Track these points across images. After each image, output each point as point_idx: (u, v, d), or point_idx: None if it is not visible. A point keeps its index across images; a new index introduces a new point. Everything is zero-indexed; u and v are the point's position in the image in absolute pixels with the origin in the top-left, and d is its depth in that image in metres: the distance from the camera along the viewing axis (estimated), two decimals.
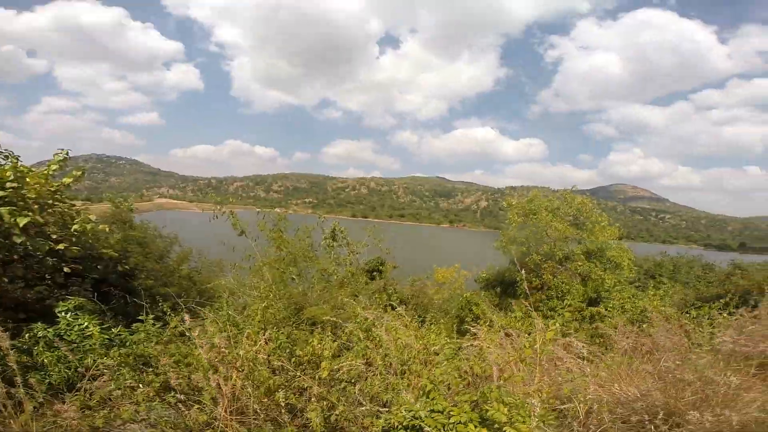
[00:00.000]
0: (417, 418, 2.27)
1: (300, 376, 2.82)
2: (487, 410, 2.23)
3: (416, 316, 7.21)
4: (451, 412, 2.27)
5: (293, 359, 3.09)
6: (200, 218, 6.28)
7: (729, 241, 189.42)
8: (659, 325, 5.36)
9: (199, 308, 4.37)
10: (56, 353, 3.22)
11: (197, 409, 2.59)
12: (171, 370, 2.91)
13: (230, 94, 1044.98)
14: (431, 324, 5.68)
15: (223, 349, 2.76)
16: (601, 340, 5.56)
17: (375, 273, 14.01)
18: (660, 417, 2.41)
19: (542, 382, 3.03)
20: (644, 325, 5.37)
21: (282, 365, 2.92)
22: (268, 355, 2.95)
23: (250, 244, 5.80)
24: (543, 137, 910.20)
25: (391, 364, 2.96)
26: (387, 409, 2.51)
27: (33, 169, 4.31)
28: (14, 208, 3.80)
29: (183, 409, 2.61)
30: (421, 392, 2.55)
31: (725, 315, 4.76)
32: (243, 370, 2.72)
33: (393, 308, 4.26)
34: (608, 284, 10.78)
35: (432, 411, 2.31)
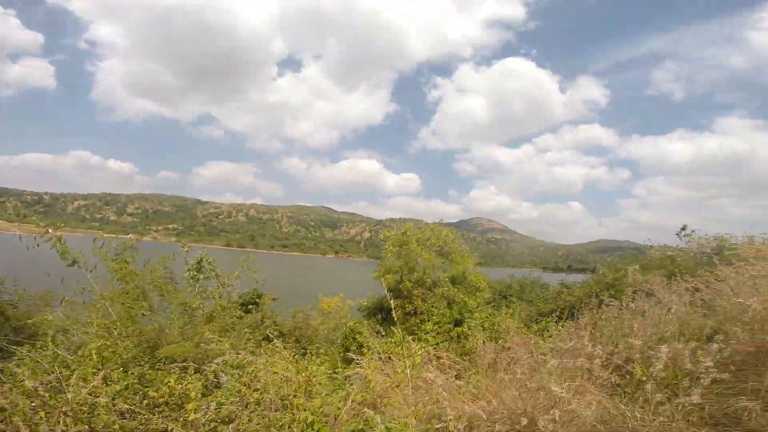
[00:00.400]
0: None
1: (157, 419, 2.50)
2: None
3: (299, 348, 6.81)
4: None
5: (146, 401, 2.71)
6: (21, 243, 4.90)
7: (560, 264, 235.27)
8: (511, 339, 6.21)
9: (15, 347, 3.73)
10: None
11: None
12: None
13: (89, 98, 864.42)
14: (313, 355, 5.47)
15: (41, 393, 2.35)
16: (468, 357, 6.12)
17: (251, 306, 12.98)
18: (522, 424, 2.69)
19: (417, 404, 3.15)
20: (500, 341, 6.13)
21: (131, 408, 2.57)
22: (113, 398, 2.57)
23: (86, 275, 4.76)
24: (419, 172, 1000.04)
25: (271, 399, 2.75)
26: None
27: None
28: None
29: None
30: (304, 425, 2.43)
31: (559, 327, 5.80)
32: (73, 415, 2.33)
33: (269, 341, 3.98)
34: (471, 306, 12.10)
35: None
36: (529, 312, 10.01)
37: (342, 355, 8.22)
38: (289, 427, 2.55)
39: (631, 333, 4.07)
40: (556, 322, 6.26)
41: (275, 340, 4.00)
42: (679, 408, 2.59)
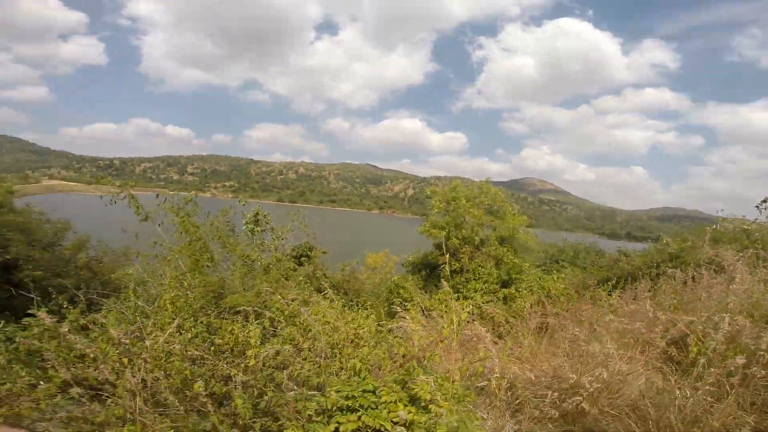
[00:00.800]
0: (350, 398, 2.27)
1: (222, 365, 2.73)
2: (413, 389, 2.30)
3: (348, 300, 7.15)
4: (382, 392, 2.30)
5: (213, 348, 2.96)
6: (101, 202, 5.44)
7: (618, 230, 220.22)
8: (561, 305, 6.04)
9: (103, 300, 4.12)
10: None
11: (111, 403, 2.44)
12: (72, 365, 2.69)
13: (137, 70, 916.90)
14: (360, 307, 5.72)
15: (125, 341, 2.62)
16: (515, 320, 6.09)
17: (303, 258, 13.70)
18: (569, 383, 2.69)
19: (462, 361, 3.23)
20: (549, 306, 5.99)
21: (201, 355, 2.82)
22: (185, 346, 2.82)
23: (157, 230, 5.21)
24: (464, 131, 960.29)
25: (321, 348, 2.95)
26: (319, 392, 2.48)
27: None
28: None
29: (87, 403, 2.48)
30: (352, 373, 2.59)
31: (614, 295, 5.52)
32: (151, 362, 2.59)
33: (320, 291, 4.18)
34: (521, 267, 11.79)
35: (364, 391, 2.33)
36: (583, 278, 9.61)
37: (386, 308, 8.53)
38: (337, 374, 2.74)
39: (695, 307, 3.79)
40: (609, 292, 5.96)
41: (328, 290, 4.22)
42: (731, 388, 2.42)
